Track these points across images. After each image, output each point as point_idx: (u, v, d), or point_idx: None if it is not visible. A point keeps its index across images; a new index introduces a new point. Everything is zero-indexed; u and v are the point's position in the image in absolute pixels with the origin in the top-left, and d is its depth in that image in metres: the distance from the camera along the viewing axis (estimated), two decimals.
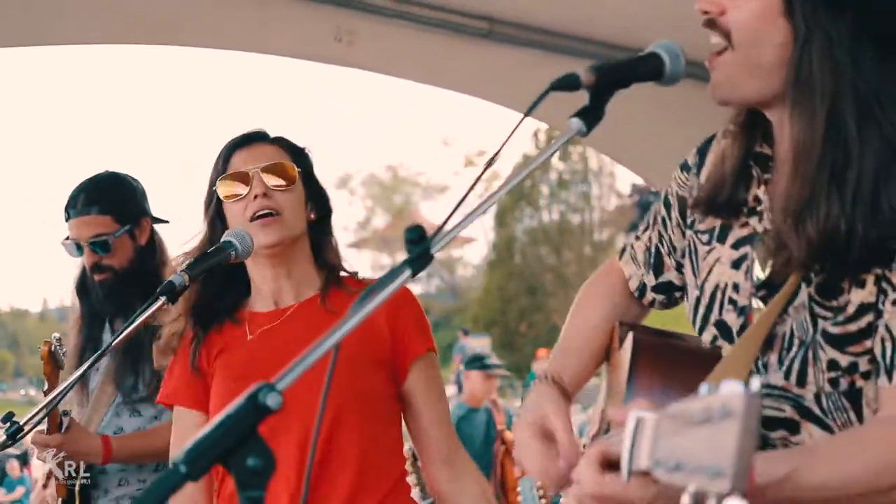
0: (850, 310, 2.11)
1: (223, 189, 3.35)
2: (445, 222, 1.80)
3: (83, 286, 4.57)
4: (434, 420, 3.45)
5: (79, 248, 4.47)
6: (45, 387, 4.13)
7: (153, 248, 4.56)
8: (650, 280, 2.65)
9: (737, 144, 2.33)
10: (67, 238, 4.48)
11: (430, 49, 5.88)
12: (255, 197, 3.30)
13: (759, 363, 2.22)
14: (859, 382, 2.13)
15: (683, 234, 2.52)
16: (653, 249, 2.62)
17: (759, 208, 2.28)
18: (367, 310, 1.69)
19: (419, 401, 3.42)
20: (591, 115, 1.99)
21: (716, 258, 2.35)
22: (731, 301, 2.29)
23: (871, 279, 2.09)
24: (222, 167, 3.38)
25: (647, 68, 2.08)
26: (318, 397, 2.95)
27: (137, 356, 4.29)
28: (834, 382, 2.14)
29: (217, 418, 1.57)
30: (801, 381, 2.16)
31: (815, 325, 2.14)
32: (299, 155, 3.48)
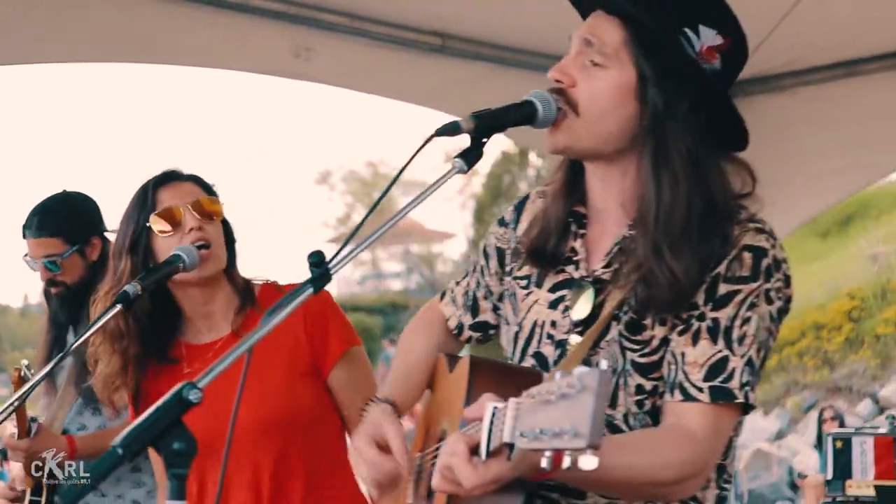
0: (654, 343, 2.56)
1: (157, 224, 3.66)
2: (345, 244, 2.18)
3: (47, 295, 5.02)
4: (353, 415, 3.71)
5: (36, 264, 4.89)
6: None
7: (105, 263, 4.86)
8: (467, 320, 3.06)
9: (559, 204, 2.74)
10: (26, 254, 4.91)
11: (386, 63, 6.12)
12: (190, 230, 3.64)
13: None
14: (658, 402, 2.57)
15: (501, 280, 2.93)
16: (471, 294, 3.02)
17: (575, 258, 2.70)
18: (276, 320, 2.06)
19: (343, 395, 3.77)
20: (471, 156, 2.38)
21: (534, 300, 2.76)
22: (549, 336, 2.71)
23: (669, 318, 2.55)
24: (152, 205, 3.69)
25: (521, 114, 2.50)
26: (260, 437, 3.41)
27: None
28: (640, 404, 2.58)
29: (148, 410, 1.94)
30: (613, 404, 2.59)
31: (624, 356, 2.58)
32: (211, 190, 3.82)
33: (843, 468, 6.99)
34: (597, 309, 2.65)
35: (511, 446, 2.05)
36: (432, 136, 2.40)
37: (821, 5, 5.95)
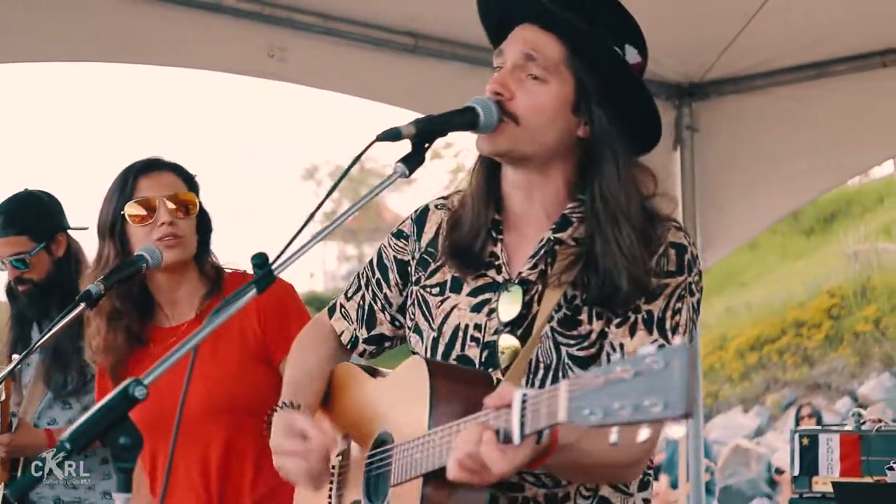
0: (593, 337, 2.70)
1: (131, 210, 3.77)
2: (288, 245, 2.26)
3: (11, 293, 5.14)
4: None
5: (2, 263, 5.01)
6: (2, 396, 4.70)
7: (70, 258, 5.08)
8: (363, 333, 3.14)
9: (482, 208, 2.84)
10: None
11: (359, 64, 6.17)
12: (162, 224, 3.74)
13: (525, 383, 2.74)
14: None
15: (402, 291, 3.02)
16: (366, 307, 3.10)
17: (496, 262, 2.80)
18: (220, 320, 2.13)
19: None
20: (412, 160, 2.48)
21: (452, 305, 2.85)
22: (473, 339, 2.80)
23: (605, 312, 2.70)
24: (130, 193, 3.79)
25: (463, 120, 2.61)
26: (210, 420, 3.50)
27: (64, 356, 4.85)
28: None
29: (95, 406, 2.02)
30: None
31: (558, 351, 2.70)
32: (191, 181, 3.93)
33: (809, 465, 7.04)
34: (524, 309, 2.76)
35: (539, 432, 2.20)
36: (373, 142, 2.48)
37: (791, 7, 6.03)
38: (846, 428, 7.24)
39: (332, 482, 2.99)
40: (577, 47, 2.73)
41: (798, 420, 16.42)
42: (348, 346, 3.18)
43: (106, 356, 3.89)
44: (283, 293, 3.88)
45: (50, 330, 3.52)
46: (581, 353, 2.71)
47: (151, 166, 3.90)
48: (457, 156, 56.66)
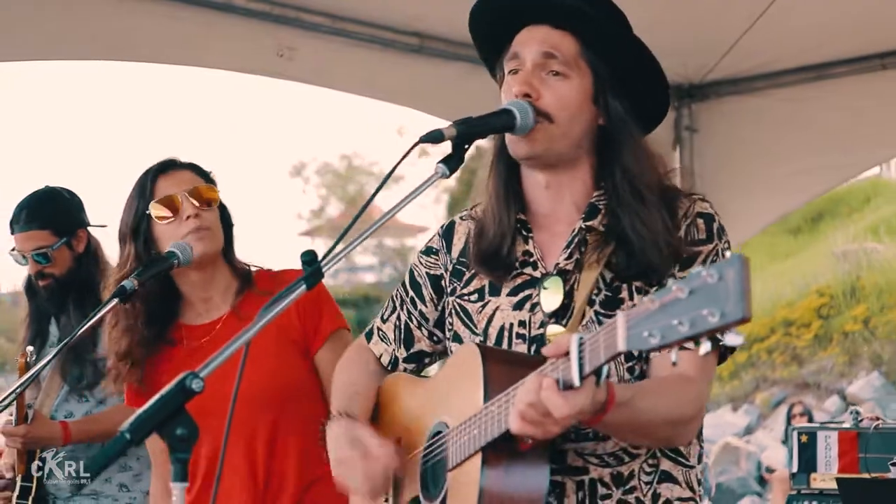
0: None
1: (157, 211, 3.82)
2: (336, 244, 2.33)
3: (30, 288, 5.19)
4: None
5: (24, 258, 5.03)
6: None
7: (90, 254, 5.13)
8: (402, 353, 3.23)
9: (505, 212, 2.95)
10: (13, 249, 5.05)
11: (365, 63, 6.22)
12: (188, 217, 3.79)
13: None
14: (645, 367, 2.79)
15: (437, 306, 3.11)
16: (402, 327, 3.18)
17: (531, 260, 2.89)
18: (272, 315, 2.19)
19: (326, 375, 3.89)
20: (453, 161, 2.54)
21: (494, 308, 2.94)
22: (519, 335, 2.88)
23: (644, 287, 2.79)
24: (151, 194, 3.84)
25: (500, 122, 2.69)
26: (253, 411, 3.58)
27: (79, 351, 4.89)
28: (630, 370, 2.79)
29: (153, 398, 2.08)
30: (607, 374, 2.72)
31: None
32: (208, 177, 3.98)
33: (807, 462, 7.11)
34: (566, 298, 2.84)
35: (598, 374, 2.28)
36: (417, 143, 2.55)
37: (791, 10, 6.09)
38: (844, 425, 7.34)
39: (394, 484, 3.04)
40: (591, 40, 2.85)
41: (790, 418, 16.50)
42: (388, 368, 3.25)
43: (133, 365, 3.91)
44: (317, 287, 3.95)
45: (83, 325, 3.59)
46: None
47: (168, 166, 3.95)
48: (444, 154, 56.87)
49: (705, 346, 2.00)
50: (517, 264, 2.93)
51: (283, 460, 3.90)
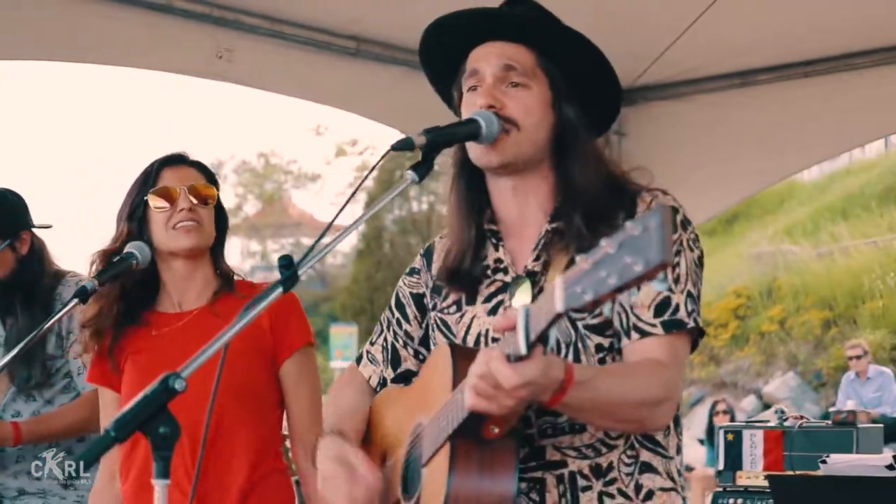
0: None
1: (153, 201, 3.91)
2: (311, 249, 2.41)
3: None
4: (299, 406, 4.02)
5: None
6: None
7: (34, 256, 5.07)
8: (389, 374, 3.30)
9: (466, 225, 3.07)
10: None
11: (302, 66, 6.27)
12: (181, 210, 3.88)
13: None
14: (617, 357, 2.87)
15: (421, 324, 3.21)
16: (389, 348, 3.27)
17: (502, 266, 3.01)
18: (250, 317, 2.28)
19: (290, 385, 3.99)
20: (422, 168, 2.64)
21: (471, 317, 3.04)
22: (494, 339, 2.96)
23: None
24: (153, 182, 3.95)
25: (466, 131, 2.79)
26: (202, 393, 3.65)
27: (28, 351, 4.64)
28: (602, 361, 2.87)
29: (136, 397, 2.16)
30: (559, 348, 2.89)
31: (574, 326, 2.87)
32: (212, 177, 4.06)
33: (733, 460, 7.30)
34: (535, 298, 2.90)
35: (545, 342, 2.33)
36: (388, 152, 2.64)
37: (719, 20, 6.22)
38: (769, 424, 7.52)
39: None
40: (546, 49, 2.97)
41: (712, 416, 16.77)
42: (377, 389, 3.32)
43: (96, 333, 3.96)
44: (290, 296, 4.01)
45: (45, 324, 3.65)
46: (595, 321, 2.88)
47: (175, 160, 4.05)
48: (362, 153, 56.65)
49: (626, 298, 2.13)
50: (489, 272, 3.03)
51: (227, 456, 3.94)
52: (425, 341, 3.22)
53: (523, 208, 3.03)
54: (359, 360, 3.39)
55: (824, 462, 5.34)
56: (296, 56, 6.23)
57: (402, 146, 2.66)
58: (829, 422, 7.78)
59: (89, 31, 5.65)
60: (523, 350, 2.32)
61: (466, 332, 3.04)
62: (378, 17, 6.22)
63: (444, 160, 3.00)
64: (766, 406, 20.41)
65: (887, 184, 28.50)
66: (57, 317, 3.68)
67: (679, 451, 3.03)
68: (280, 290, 2.34)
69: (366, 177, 2.79)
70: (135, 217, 3.97)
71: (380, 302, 49.64)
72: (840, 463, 5.28)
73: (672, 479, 2.96)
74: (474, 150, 2.94)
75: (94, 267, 3.93)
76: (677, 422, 3.00)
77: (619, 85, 3.10)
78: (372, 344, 3.35)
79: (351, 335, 38.04)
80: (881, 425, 8.49)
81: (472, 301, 3.06)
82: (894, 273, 22.40)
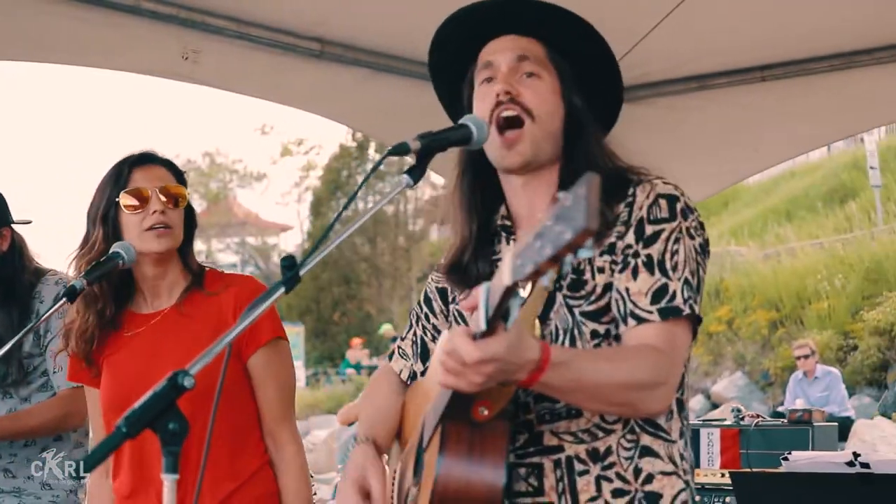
0: (598, 290, 2.96)
1: (126, 200, 3.96)
2: (314, 250, 2.46)
3: None
4: (266, 399, 4.09)
5: None
6: None
7: (14, 253, 5.10)
8: (419, 367, 3.40)
9: (466, 220, 3.18)
10: None
11: (268, 67, 6.29)
12: (154, 212, 3.93)
13: None
14: (613, 343, 2.96)
15: (447, 316, 3.30)
16: (418, 342, 3.36)
17: None
18: (254, 316, 2.33)
19: (257, 379, 4.07)
20: (416, 172, 2.71)
21: None
22: None
23: (606, 266, 2.96)
24: (124, 182, 3.99)
25: (459, 136, 2.86)
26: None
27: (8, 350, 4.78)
28: (598, 347, 2.96)
29: (147, 394, 2.21)
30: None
31: (572, 313, 2.95)
32: (181, 176, 4.13)
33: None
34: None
35: (506, 319, 2.40)
36: (386, 156, 2.70)
37: (677, 25, 6.30)
38: (726, 423, 7.65)
39: (394, 485, 3.23)
40: (557, 42, 3.08)
41: None
42: (408, 382, 3.41)
43: (81, 340, 4.02)
44: (258, 291, 4.06)
45: (35, 324, 3.68)
46: (591, 308, 2.97)
47: (145, 159, 4.10)
48: (307, 153, 56.59)
49: (565, 267, 2.17)
50: (499, 265, 3.11)
51: (196, 452, 3.98)
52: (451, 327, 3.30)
53: (533, 201, 3.12)
54: (391, 356, 3.48)
55: (786, 459, 5.44)
56: (261, 57, 6.24)
57: (398, 151, 2.72)
58: (785, 420, 7.93)
59: (55, 32, 5.64)
60: (483, 325, 2.40)
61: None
62: (342, 19, 6.24)
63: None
64: (715, 405, 20.61)
65: (831, 186, 28.83)
66: (45, 316, 3.72)
67: (682, 434, 3.08)
68: (283, 290, 2.40)
69: (365, 179, 2.83)
70: (108, 219, 4.01)
71: (326, 301, 49.66)
72: (801, 460, 5.38)
73: (674, 463, 3.02)
74: (495, 152, 3.05)
75: (72, 270, 4.00)
76: (682, 406, 3.09)
77: (622, 83, 3.23)
78: (402, 339, 3.44)
79: (298, 335, 38.00)
80: (836, 424, 8.67)
81: None
82: (841, 274, 22.66)
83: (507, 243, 3.14)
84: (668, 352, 2.85)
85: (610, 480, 2.96)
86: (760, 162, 7.97)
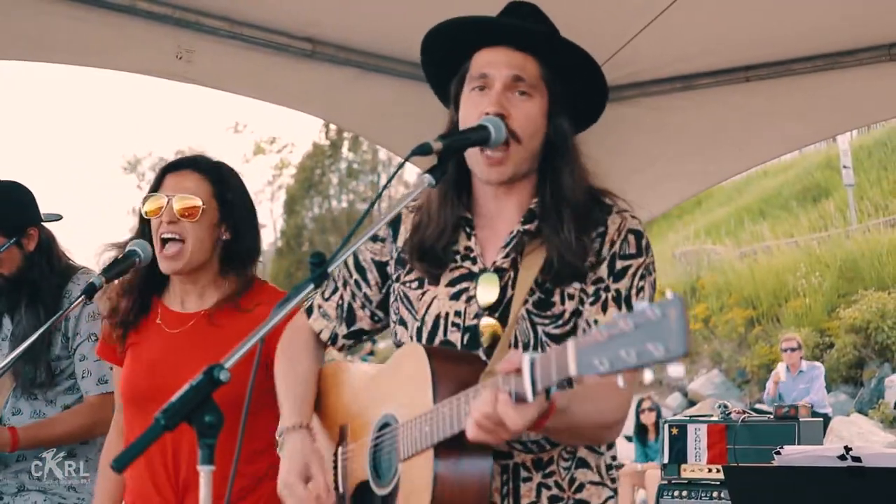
0: (566, 316, 3.08)
1: (146, 205, 3.99)
2: (342, 247, 2.53)
3: None
4: None
5: None
6: None
7: (42, 252, 5.04)
8: (342, 330, 3.48)
9: (449, 210, 3.22)
10: None
11: (260, 67, 6.35)
12: (163, 222, 3.95)
13: None
14: None
15: (381, 289, 3.37)
16: (345, 306, 3.43)
17: (471, 255, 3.18)
18: (284, 312, 2.40)
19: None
20: (438, 171, 2.79)
21: (432, 297, 3.21)
22: (454, 324, 3.15)
23: (576, 294, 3.06)
24: (153, 186, 4.03)
25: (478, 136, 2.92)
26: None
27: (34, 350, 4.75)
28: None
29: (183, 388, 2.27)
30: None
31: (535, 330, 3.07)
32: (221, 183, 4.09)
33: (678, 453, 7.52)
34: (501, 294, 3.13)
35: (548, 389, 2.54)
36: (409, 157, 2.77)
37: (663, 27, 6.35)
38: (713, 418, 7.73)
39: (335, 472, 3.29)
40: (551, 61, 3.13)
41: (639, 413, 17.00)
42: (328, 343, 3.48)
43: (113, 319, 4.06)
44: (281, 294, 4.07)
45: (53, 321, 3.73)
46: (557, 331, 3.09)
47: (179, 165, 4.11)
48: (279, 152, 56.55)
49: (649, 375, 2.25)
50: (458, 258, 3.21)
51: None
52: (383, 306, 3.41)
53: (502, 206, 3.21)
54: (309, 312, 3.52)
55: (778, 453, 5.50)
56: (253, 57, 6.29)
57: (421, 151, 2.80)
58: (772, 416, 8.01)
59: (52, 32, 5.67)
60: (530, 398, 2.53)
61: (426, 311, 3.22)
62: (334, 19, 6.30)
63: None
64: (692, 403, 20.74)
65: (804, 185, 29.00)
66: (63, 312, 3.77)
67: (610, 446, 3.26)
68: (311, 286, 2.47)
69: (389, 180, 2.92)
70: (142, 218, 4.07)
71: None
72: (793, 454, 5.45)
73: (600, 475, 3.21)
74: (478, 166, 3.13)
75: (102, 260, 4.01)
76: None
77: (607, 90, 3.28)
78: (326, 300, 3.49)
79: None
80: (821, 419, 8.76)
81: (435, 281, 3.23)
82: (817, 272, 22.80)
83: (468, 238, 3.22)
84: (627, 391, 2.91)
85: (549, 488, 3.15)
86: (745, 161, 8.03)
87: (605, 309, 3.08)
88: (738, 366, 22.68)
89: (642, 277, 3.12)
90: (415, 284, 3.27)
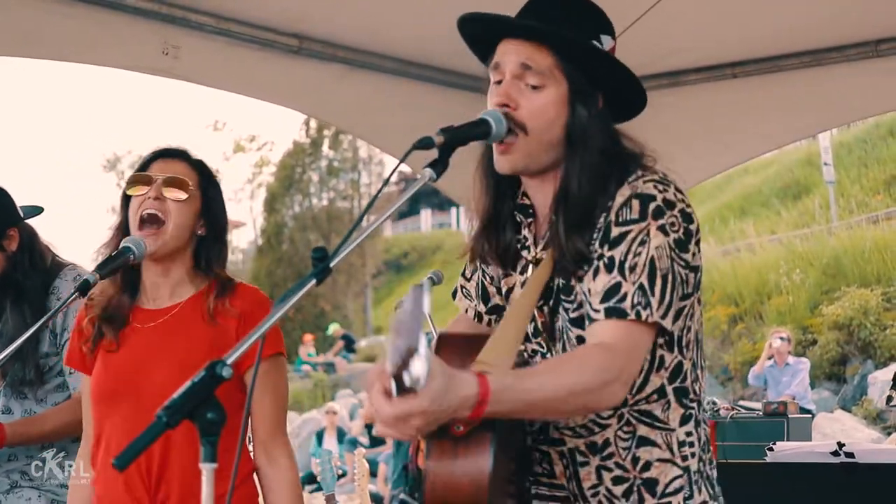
0: (579, 298, 3.03)
1: (129, 188, 3.94)
2: (343, 242, 2.50)
3: None
4: (263, 410, 4.02)
5: None
6: None
7: (24, 251, 4.97)
8: (482, 308, 3.50)
9: (493, 202, 3.24)
10: None
11: (247, 63, 6.32)
12: (148, 198, 3.89)
13: (552, 350, 3.14)
14: None
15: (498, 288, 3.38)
16: (479, 284, 3.44)
17: (527, 244, 3.20)
18: (286, 307, 2.36)
19: (255, 395, 3.98)
20: (439, 166, 2.75)
21: (513, 281, 3.26)
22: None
23: (584, 275, 3.01)
24: (139, 168, 3.98)
25: (479, 130, 2.90)
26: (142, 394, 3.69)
27: (24, 350, 4.69)
28: (580, 339, 3.05)
29: (185, 384, 2.23)
30: None
31: (567, 315, 3.07)
32: (208, 178, 4.08)
33: None
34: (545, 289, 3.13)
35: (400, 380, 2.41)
36: (410, 151, 2.74)
37: (650, 23, 6.35)
38: None
39: None
40: (565, 53, 3.07)
41: None
42: (476, 321, 3.51)
43: (90, 325, 3.99)
44: (265, 309, 4.02)
45: (49, 318, 3.69)
46: (575, 315, 3.07)
47: (169, 154, 4.08)
48: (260, 149, 56.34)
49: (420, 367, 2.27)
50: (519, 246, 3.24)
51: (193, 460, 3.93)
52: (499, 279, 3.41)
53: (543, 196, 3.20)
54: (454, 294, 3.58)
55: (771, 450, 5.52)
56: (240, 53, 6.27)
57: (423, 145, 2.77)
58: (761, 412, 8.00)
59: (37, 27, 5.63)
60: (394, 393, 2.42)
61: (509, 293, 3.31)
62: (320, 16, 6.29)
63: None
64: None
65: (785, 182, 29.04)
66: (58, 309, 3.73)
67: (686, 420, 3.15)
68: (314, 281, 2.42)
69: (392, 172, 2.85)
70: (125, 203, 4.02)
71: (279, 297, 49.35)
72: (787, 450, 5.46)
73: (671, 451, 3.12)
74: (494, 157, 3.11)
75: (97, 254, 3.97)
76: (685, 393, 3.14)
77: (638, 81, 3.23)
78: (467, 279, 3.54)
79: None
80: (810, 415, 8.76)
81: (514, 267, 3.28)
82: (800, 269, 22.82)
83: (524, 227, 3.24)
84: (618, 350, 2.85)
85: (610, 470, 3.12)
86: (732, 157, 8.05)
87: (595, 276, 2.96)
88: (722, 363, 22.67)
89: (642, 243, 2.93)
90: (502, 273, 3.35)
